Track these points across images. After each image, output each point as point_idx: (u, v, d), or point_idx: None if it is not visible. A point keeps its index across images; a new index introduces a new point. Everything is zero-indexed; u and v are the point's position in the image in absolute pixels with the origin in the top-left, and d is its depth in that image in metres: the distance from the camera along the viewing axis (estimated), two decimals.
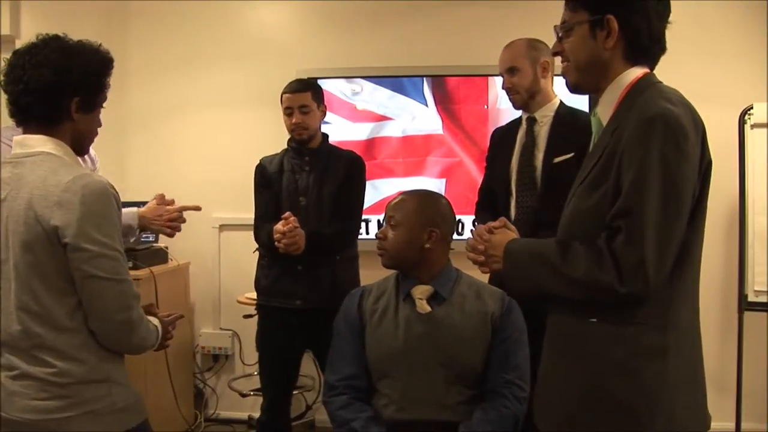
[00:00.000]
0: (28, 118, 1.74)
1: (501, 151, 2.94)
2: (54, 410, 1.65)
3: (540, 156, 2.77)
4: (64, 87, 1.72)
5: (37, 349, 1.66)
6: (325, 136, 3.13)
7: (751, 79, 4.03)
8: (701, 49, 3.84)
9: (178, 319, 1.99)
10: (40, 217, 1.63)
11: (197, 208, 2.48)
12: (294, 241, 2.82)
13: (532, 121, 2.84)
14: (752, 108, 3.73)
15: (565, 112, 2.82)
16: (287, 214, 2.84)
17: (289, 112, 3.02)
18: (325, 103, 3.12)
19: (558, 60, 1.79)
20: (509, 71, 2.82)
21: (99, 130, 1.88)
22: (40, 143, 1.72)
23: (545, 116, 2.82)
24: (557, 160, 2.69)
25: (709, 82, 3.84)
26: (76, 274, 1.65)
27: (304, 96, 3.00)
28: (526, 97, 2.82)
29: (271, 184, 3.08)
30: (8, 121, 2.52)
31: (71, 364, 1.67)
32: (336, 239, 3.00)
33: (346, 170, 3.06)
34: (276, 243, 2.82)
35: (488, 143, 3.17)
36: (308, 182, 3.02)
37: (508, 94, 2.87)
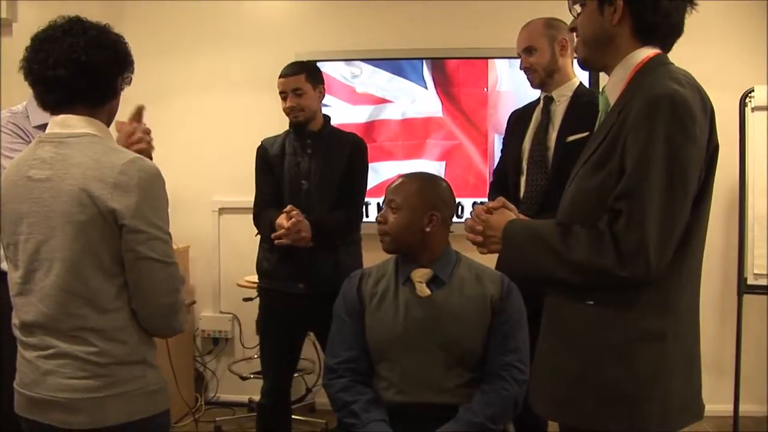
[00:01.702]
0: (77, 101, 1.71)
1: (516, 130, 2.92)
2: (92, 389, 1.65)
3: (554, 135, 2.73)
4: (116, 65, 1.75)
5: (78, 330, 1.65)
6: (327, 119, 3.11)
7: (751, 61, 4.03)
8: (701, 31, 3.81)
9: (191, 304, 1.99)
10: (97, 198, 1.61)
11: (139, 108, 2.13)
12: (300, 236, 2.81)
13: (549, 101, 2.80)
14: (753, 91, 3.74)
15: (583, 93, 2.77)
16: (289, 207, 2.83)
17: (283, 96, 2.99)
18: (325, 84, 3.09)
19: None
20: (526, 51, 2.78)
21: None
22: (84, 124, 1.70)
23: (563, 96, 2.77)
24: (570, 139, 2.65)
25: (710, 65, 3.82)
26: (128, 255, 1.65)
27: (297, 79, 2.97)
28: (544, 76, 2.77)
29: (272, 168, 3.06)
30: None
31: (113, 344, 1.67)
32: (339, 228, 3.00)
33: (350, 154, 3.04)
34: (276, 241, 2.82)
35: (488, 126, 3.15)
36: (310, 166, 3.00)
37: (526, 73, 2.82)
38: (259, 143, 3.14)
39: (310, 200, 2.98)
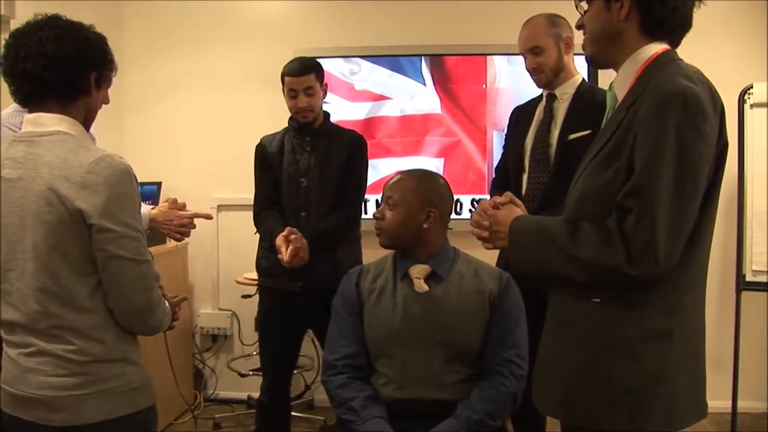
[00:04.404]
0: (48, 96, 1.70)
1: (518, 128, 2.90)
2: (71, 387, 1.65)
3: (556, 133, 2.73)
4: (86, 60, 1.72)
5: (55, 328, 1.66)
6: (327, 115, 3.08)
7: (750, 58, 4.03)
8: (700, 28, 3.80)
9: (182, 300, 1.99)
10: (64, 198, 1.61)
11: (208, 217, 2.47)
12: (298, 259, 2.79)
13: (551, 98, 2.79)
14: (752, 87, 3.73)
15: (585, 90, 2.76)
16: (287, 231, 2.80)
17: (293, 95, 2.94)
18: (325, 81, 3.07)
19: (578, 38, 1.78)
20: (533, 51, 2.75)
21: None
22: (56, 122, 1.70)
23: (565, 93, 2.76)
24: (573, 137, 2.64)
25: (709, 62, 3.77)
26: (99, 254, 1.64)
27: (309, 78, 2.92)
28: (551, 75, 2.76)
29: (271, 166, 3.04)
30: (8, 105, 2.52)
31: (90, 343, 1.67)
32: (339, 232, 2.98)
33: (349, 151, 3.01)
34: (279, 259, 2.80)
35: (486, 123, 3.14)
36: (309, 163, 2.98)
37: (532, 74, 2.80)
38: (258, 141, 3.13)
39: (310, 198, 2.97)
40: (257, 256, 3.11)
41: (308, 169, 2.98)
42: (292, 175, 2.99)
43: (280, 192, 3.01)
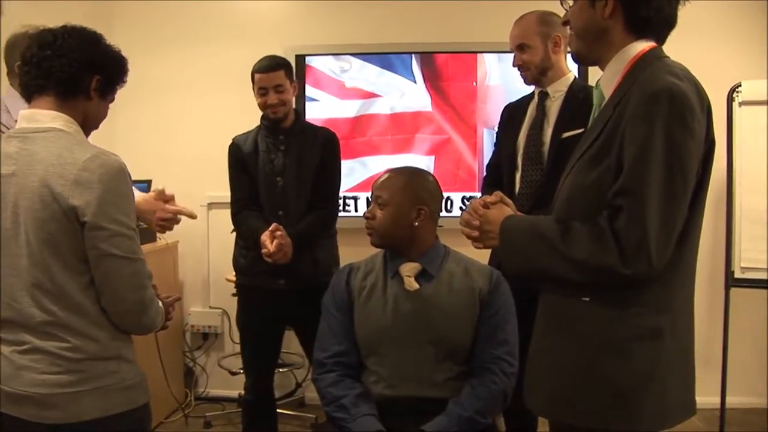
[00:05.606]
0: (46, 86, 1.70)
1: (510, 125, 2.90)
2: (65, 384, 1.65)
3: (549, 131, 2.72)
4: (91, 58, 1.74)
5: (50, 325, 1.65)
6: (297, 113, 3.09)
7: (739, 56, 4.04)
8: (689, 25, 3.81)
9: (176, 300, 1.99)
10: (58, 195, 1.61)
11: (192, 216, 2.44)
12: (283, 254, 2.81)
13: (543, 96, 2.79)
14: (740, 85, 3.74)
15: (577, 88, 2.76)
16: (273, 226, 2.81)
17: (263, 92, 2.95)
18: (312, 78, 3.05)
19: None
20: (519, 48, 2.75)
21: None
22: (50, 119, 1.69)
23: (558, 91, 2.76)
24: (566, 135, 2.63)
25: (697, 60, 3.78)
26: (92, 252, 1.64)
27: (278, 75, 2.93)
28: (536, 73, 2.76)
29: (246, 166, 3.03)
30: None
31: (85, 341, 1.67)
32: (318, 231, 3.00)
33: (322, 149, 3.03)
34: (264, 257, 2.81)
35: (477, 120, 3.13)
36: (284, 163, 2.98)
37: (519, 70, 2.81)
38: (231, 141, 3.12)
39: (287, 197, 2.98)
40: (234, 254, 3.12)
41: (283, 168, 2.98)
42: (268, 175, 2.99)
43: (258, 191, 3.01)
